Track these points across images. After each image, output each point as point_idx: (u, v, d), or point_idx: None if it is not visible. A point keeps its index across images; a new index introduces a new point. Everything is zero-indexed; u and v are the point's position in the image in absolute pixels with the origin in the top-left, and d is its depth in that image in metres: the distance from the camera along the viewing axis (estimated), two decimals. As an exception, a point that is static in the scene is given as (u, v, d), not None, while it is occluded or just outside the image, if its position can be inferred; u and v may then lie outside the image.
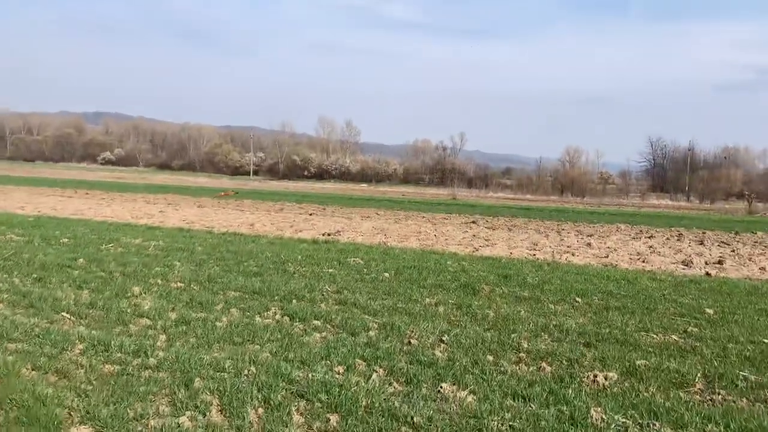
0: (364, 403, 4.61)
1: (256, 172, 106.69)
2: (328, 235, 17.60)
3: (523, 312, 7.87)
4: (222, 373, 5.22)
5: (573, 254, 15.50)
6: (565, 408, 4.66)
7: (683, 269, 13.48)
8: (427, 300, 8.35)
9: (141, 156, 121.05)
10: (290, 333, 6.53)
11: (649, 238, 21.46)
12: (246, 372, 5.23)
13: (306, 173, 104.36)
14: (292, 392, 4.84)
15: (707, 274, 12.74)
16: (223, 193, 41.84)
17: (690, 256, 15.83)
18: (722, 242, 20.63)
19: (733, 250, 17.84)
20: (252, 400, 4.64)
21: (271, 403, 4.61)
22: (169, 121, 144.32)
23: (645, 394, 5.02)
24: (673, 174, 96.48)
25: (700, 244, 20.00)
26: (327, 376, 5.15)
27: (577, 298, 8.84)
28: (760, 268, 13.85)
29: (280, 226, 19.62)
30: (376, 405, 4.57)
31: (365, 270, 10.76)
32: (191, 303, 7.85)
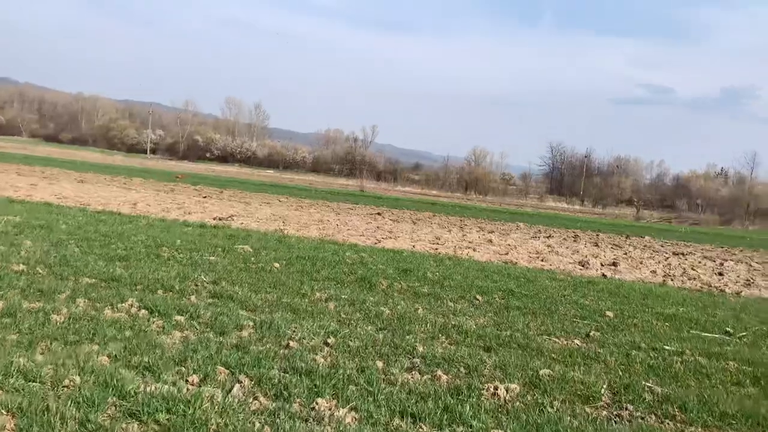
0: (214, 425, 3.63)
1: (154, 151, 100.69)
2: (220, 219, 16.22)
3: (421, 310, 7.16)
4: (34, 384, 4.03)
5: (474, 250, 15.19)
6: (460, 430, 3.93)
7: (580, 270, 13.48)
8: (318, 294, 7.44)
9: (25, 126, 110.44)
10: (144, 330, 5.39)
11: (547, 237, 21.81)
12: (67, 382, 4.07)
13: (208, 155, 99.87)
14: (123, 411, 3.76)
15: (603, 275, 12.78)
16: (179, 176, 38.55)
17: (586, 257, 16.02)
18: (615, 245, 21.34)
19: (626, 253, 18.38)
20: (63, 423, 3.52)
21: (89, 426, 3.52)
22: (61, 90, 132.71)
23: (550, 409, 4.41)
24: (570, 179, 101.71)
25: (595, 245, 20.54)
26: (174, 389, 4.10)
27: (478, 296, 8.29)
28: (651, 271, 14.16)
29: (167, 207, 17.92)
30: (229, 428, 3.61)
31: (253, 259, 9.67)
32: (29, 290, 6.45)
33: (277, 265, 9.25)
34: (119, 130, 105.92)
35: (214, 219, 16.11)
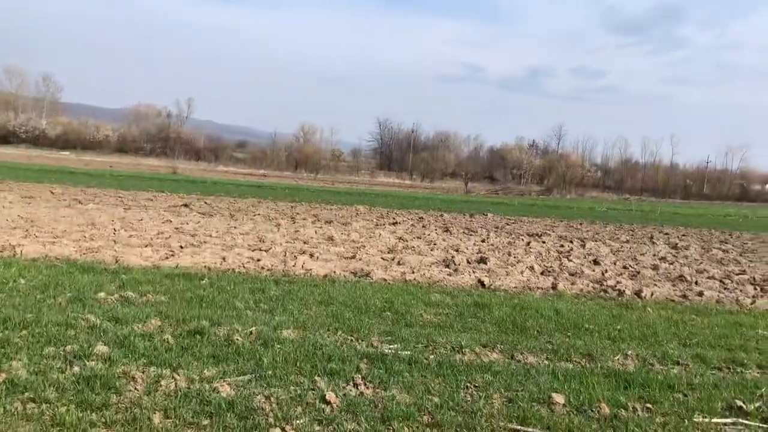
0: None
1: None
2: None
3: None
4: None
5: (312, 255, 11.29)
6: None
7: (450, 275, 10.26)
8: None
9: None
10: None
11: (393, 224, 18.67)
12: None
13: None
14: None
15: (480, 282, 9.68)
16: None
17: (447, 251, 12.99)
18: (467, 229, 18.85)
19: (483, 240, 15.79)
20: None
21: None
22: None
23: None
24: (398, 154, 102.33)
25: (446, 231, 17.84)
26: None
27: (330, 392, 4.37)
28: (528, 268, 11.41)
29: None
30: None
31: None
32: None
33: None
34: None
35: None
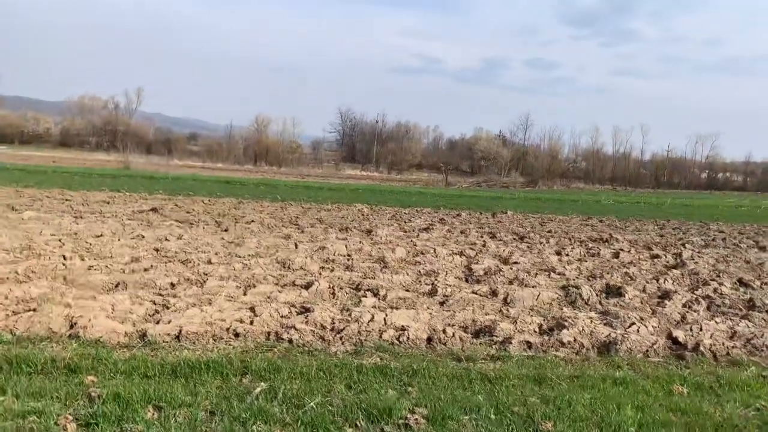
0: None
1: None
2: None
3: None
4: None
5: (376, 294, 7.42)
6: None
7: (606, 324, 6.62)
8: None
9: None
10: None
11: (425, 231, 14.81)
12: None
13: None
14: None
15: (674, 341, 6.10)
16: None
17: (549, 275, 9.34)
18: (515, 234, 15.17)
19: (559, 252, 12.17)
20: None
21: None
22: None
23: None
24: (362, 145, 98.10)
25: (494, 238, 14.22)
26: None
27: None
28: (694, 301, 7.81)
29: None
30: None
31: None
32: None
33: None
34: None
35: None
